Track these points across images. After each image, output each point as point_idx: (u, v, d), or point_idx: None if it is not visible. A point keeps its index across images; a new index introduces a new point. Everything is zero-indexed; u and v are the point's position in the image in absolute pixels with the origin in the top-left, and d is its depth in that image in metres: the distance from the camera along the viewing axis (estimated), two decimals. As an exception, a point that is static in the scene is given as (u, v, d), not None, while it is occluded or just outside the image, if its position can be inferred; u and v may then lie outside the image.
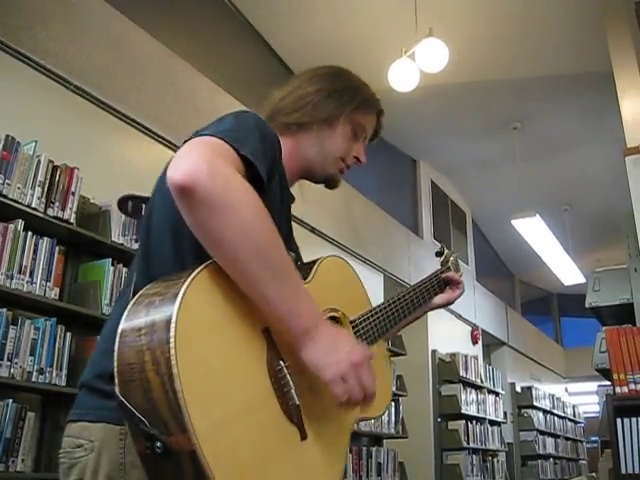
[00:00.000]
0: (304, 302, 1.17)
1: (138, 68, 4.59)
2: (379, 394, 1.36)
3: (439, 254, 1.97)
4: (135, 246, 3.75)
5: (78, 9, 4.20)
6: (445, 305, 1.84)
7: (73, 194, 3.51)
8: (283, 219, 1.41)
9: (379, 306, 1.54)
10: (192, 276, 1.06)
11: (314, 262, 1.43)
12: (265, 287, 1.12)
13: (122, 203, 3.75)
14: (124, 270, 3.67)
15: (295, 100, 1.56)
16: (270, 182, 1.29)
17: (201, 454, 0.95)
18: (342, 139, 1.58)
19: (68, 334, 3.33)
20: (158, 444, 0.97)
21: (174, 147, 4.67)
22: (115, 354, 1.03)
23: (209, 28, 6.06)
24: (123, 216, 3.75)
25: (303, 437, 1.17)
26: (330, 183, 1.63)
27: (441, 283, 1.83)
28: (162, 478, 1.01)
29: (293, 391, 1.17)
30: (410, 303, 1.65)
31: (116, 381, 1.02)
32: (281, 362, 1.17)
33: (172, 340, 0.98)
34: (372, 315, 1.50)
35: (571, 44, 6.59)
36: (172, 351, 0.98)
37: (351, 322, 1.43)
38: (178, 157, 1.10)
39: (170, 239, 1.25)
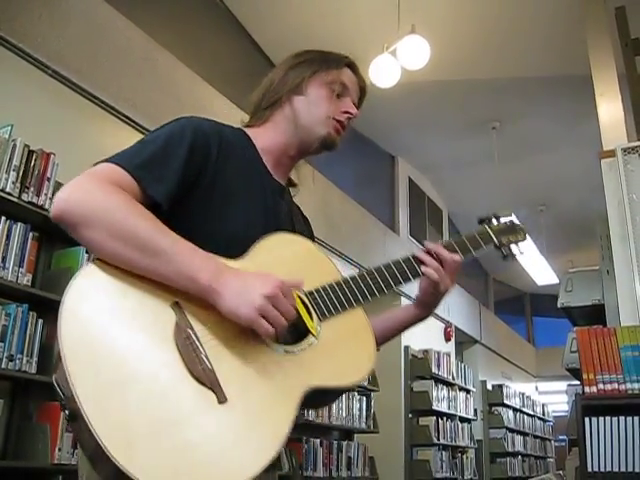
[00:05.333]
0: (196, 262, 1.22)
1: (118, 55, 4.55)
2: (345, 363, 1.36)
3: (482, 221, 1.71)
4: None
5: (58, -7, 4.15)
6: (425, 299, 1.61)
7: (49, 180, 3.48)
8: (260, 209, 1.47)
9: (350, 276, 1.46)
10: (90, 261, 1.23)
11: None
12: (151, 268, 1.21)
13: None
14: (98, 258, 3.65)
15: (263, 91, 1.62)
16: (201, 177, 1.38)
17: (84, 414, 1.05)
18: (319, 99, 1.58)
19: (40, 321, 3.30)
20: (66, 411, 1.10)
21: (152, 136, 4.63)
22: None
23: (191, 18, 6.02)
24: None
25: (221, 400, 1.16)
26: (327, 144, 1.60)
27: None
28: (79, 441, 1.15)
29: (203, 356, 1.18)
30: (395, 274, 1.50)
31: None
32: (189, 330, 1.20)
33: (60, 313, 1.12)
34: (336, 284, 1.41)
35: (551, 46, 6.64)
36: (59, 323, 1.12)
37: (307, 292, 1.37)
38: None
39: None
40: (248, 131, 1.59)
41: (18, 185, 3.31)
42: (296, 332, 1.33)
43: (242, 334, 1.24)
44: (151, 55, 4.88)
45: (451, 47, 6.61)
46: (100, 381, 1.09)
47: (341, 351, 1.36)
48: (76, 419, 1.07)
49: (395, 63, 5.53)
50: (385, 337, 1.68)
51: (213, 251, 1.31)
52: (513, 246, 1.74)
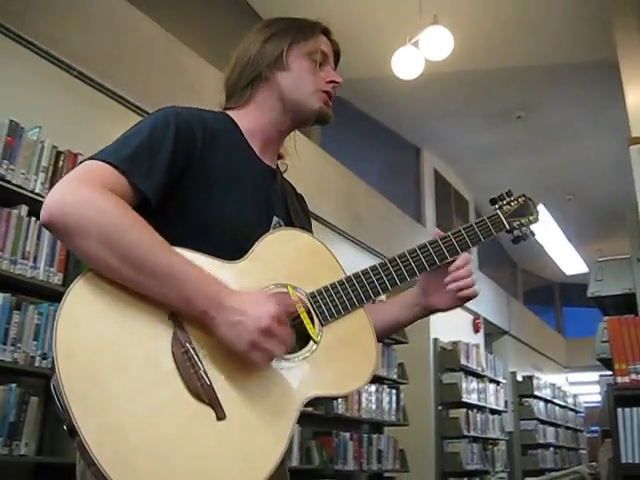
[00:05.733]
0: (194, 287, 1.19)
1: (143, 55, 4.58)
2: (346, 370, 1.33)
3: (494, 202, 1.64)
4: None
5: (82, -6, 4.19)
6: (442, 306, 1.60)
7: (77, 180, 3.51)
8: (250, 193, 1.44)
9: (353, 274, 1.41)
10: (82, 274, 1.19)
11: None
12: (147, 287, 1.18)
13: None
14: (127, 256, 3.68)
15: (239, 68, 1.56)
16: (189, 165, 1.35)
17: (82, 435, 1.04)
18: (304, 73, 1.53)
19: (71, 320, 3.33)
20: (65, 426, 1.09)
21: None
22: None
23: (213, 15, 6.04)
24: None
25: (219, 417, 1.15)
26: (321, 118, 1.56)
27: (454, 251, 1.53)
28: (80, 454, 1.11)
29: (202, 372, 1.17)
30: (401, 271, 1.45)
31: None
32: (187, 344, 1.18)
33: (55, 328, 1.12)
34: (339, 284, 1.38)
35: (576, 33, 6.56)
36: (54, 335, 1.12)
37: (309, 294, 1.35)
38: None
39: None
40: (231, 114, 1.54)
41: (47, 186, 3.34)
42: (299, 336, 1.31)
43: None
44: (175, 54, 4.90)
45: (474, 36, 6.56)
46: (95, 398, 1.08)
47: (342, 357, 1.33)
48: (74, 436, 1.06)
49: (418, 54, 5.51)
50: (391, 329, 1.63)
51: (207, 240, 1.31)
52: (525, 228, 1.66)
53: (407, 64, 5.57)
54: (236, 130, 1.51)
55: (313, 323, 1.33)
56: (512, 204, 1.64)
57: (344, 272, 1.42)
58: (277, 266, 1.35)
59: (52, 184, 3.37)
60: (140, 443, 1.08)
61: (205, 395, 1.16)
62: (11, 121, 3.24)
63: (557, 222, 8.94)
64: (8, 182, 3.18)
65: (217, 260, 1.29)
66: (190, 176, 1.35)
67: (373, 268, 1.43)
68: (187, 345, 1.18)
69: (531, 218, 1.65)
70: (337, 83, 1.57)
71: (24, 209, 3.24)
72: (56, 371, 1.09)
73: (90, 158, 1.27)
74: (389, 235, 7.62)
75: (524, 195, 1.67)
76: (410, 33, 5.45)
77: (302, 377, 1.27)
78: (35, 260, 3.24)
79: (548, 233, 9.16)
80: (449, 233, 1.54)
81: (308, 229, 1.60)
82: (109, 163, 1.24)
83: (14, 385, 3.04)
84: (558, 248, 9.89)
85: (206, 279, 1.21)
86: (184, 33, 5.13)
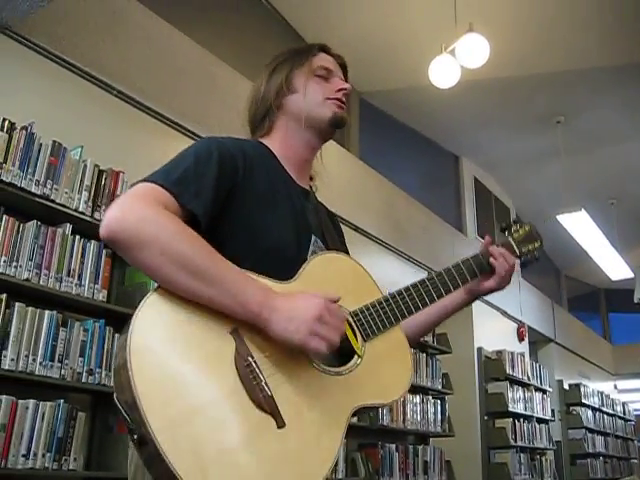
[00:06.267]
0: (247, 291, 1.27)
1: (179, 71, 4.63)
2: (387, 381, 1.45)
3: (504, 230, 1.79)
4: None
5: (119, 17, 4.26)
6: (485, 292, 1.78)
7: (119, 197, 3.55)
8: (290, 215, 1.52)
9: (390, 294, 1.53)
10: (151, 291, 1.26)
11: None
12: (206, 294, 1.25)
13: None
14: (169, 272, 3.71)
15: (254, 105, 1.70)
16: (233, 192, 1.43)
17: (158, 444, 1.10)
18: (309, 89, 1.63)
19: (116, 336, 3.38)
20: (135, 436, 1.14)
21: (216, 149, 4.70)
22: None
23: (249, 30, 6.09)
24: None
25: (280, 425, 1.23)
26: (337, 123, 1.64)
27: (482, 267, 1.70)
28: (145, 463, 1.17)
29: (264, 383, 1.24)
30: (430, 291, 1.58)
31: (113, 386, 1.22)
32: (249, 358, 1.25)
33: (128, 345, 1.16)
34: (378, 304, 1.49)
35: (614, 35, 6.47)
36: (128, 356, 1.15)
37: (352, 312, 1.45)
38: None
39: None
40: (263, 141, 1.65)
41: (90, 204, 3.40)
42: (341, 352, 1.39)
43: (296, 360, 1.31)
44: (210, 69, 4.95)
45: (510, 43, 6.52)
46: (171, 412, 1.15)
47: (383, 369, 1.45)
48: (146, 444, 1.12)
49: (454, 63, 5.48)
50: (429, 325, 1.77)
51: (250, 262, 1.37)
52: (531, 254, 1.81)
53: (444, 73, 5.55)
54: (271, 156, 1.61)
55: (356, 339, 1.43)
56: (520, 231, 1.80)
57: (381, 292, 1.54)
58: (323, 287, 1.43)
59: (95, 202, 3.43)
60: (212, 452, 1.15)
61: (266, 405, 1.23)
62: (54, 142, 3.31)
63: (600, 227, 8.79)
64: (52, 201, 3.25)
65: (270, 281, 1.37)
66: (233, 202, 1.43)
67: (406, 289, 1.55)
68: (249, 359, 1.25)
69: (536, 245, 1.80)
70: (345, 89, 1.65)
71: (68, 227, 3.31)
72: (128, 385, 1.13)
73: (141, 181, 1.35)
74: (430, 244, 7.58)
75: (529, 223, 1.82)
76: (446, 42, 5.44)
77: (349, 388, 1.37)
78: (80, 277, 3.30)
79: (592, 238, 9.02)
80: (468, 257, 1.68)
81: (341, 247, 1.70)
82: (160, 185, 1.33)
83: (62, 401, 3.09)
84: (602, 253, 9.73)
85: (258, 284, 1.31)
86: (219, 48, 5.18)
